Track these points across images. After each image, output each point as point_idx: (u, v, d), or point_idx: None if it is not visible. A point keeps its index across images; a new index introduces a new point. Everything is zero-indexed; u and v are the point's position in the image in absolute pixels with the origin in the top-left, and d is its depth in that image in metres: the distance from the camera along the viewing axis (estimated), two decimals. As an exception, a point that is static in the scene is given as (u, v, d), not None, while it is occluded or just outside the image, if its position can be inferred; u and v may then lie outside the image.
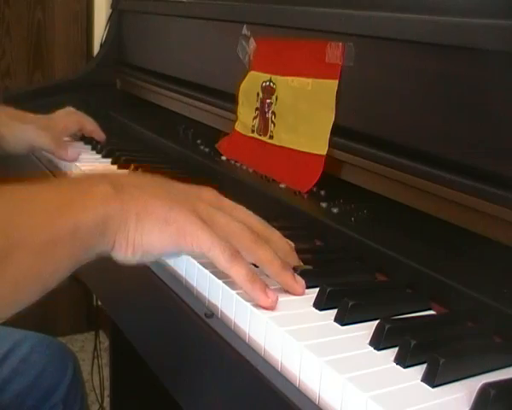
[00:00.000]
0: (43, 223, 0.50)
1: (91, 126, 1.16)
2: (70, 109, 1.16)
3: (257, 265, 0.58)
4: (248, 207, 0.59)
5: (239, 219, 0.59)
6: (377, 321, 0.52)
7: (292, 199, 0.83)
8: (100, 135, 1.16)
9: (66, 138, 1.14)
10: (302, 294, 0.58)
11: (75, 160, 1.04)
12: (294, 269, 0.60)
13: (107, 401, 1.69)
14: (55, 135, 1.07)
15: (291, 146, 0.89)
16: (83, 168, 1.01)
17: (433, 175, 0.67)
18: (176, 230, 0.55)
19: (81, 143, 1.17)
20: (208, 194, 0.60)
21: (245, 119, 1.00)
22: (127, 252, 0.55)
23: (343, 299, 0.54)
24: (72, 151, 1.06)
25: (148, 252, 0.55)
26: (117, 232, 0.54)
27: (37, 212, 0.51)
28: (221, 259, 0.55)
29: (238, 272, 0.55)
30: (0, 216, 0.49)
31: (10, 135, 1.05)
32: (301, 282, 0.58)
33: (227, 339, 0.53)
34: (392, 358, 0.48)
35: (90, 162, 1.05)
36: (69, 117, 1.15)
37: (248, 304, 0.54)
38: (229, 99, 1.04)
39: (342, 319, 0.54)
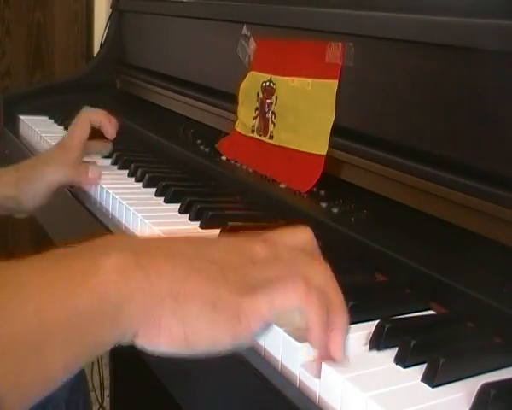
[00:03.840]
0: (23, 315, 0.36)
1: (100, 119, 1.00)
2: (81, 114, 1.00)
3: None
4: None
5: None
6: (377, 321, 0.52)
7: (292, 199, 0.83)
8: (108, 130, 1.01)
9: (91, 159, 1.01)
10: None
11: (97, 180, 0.93)
12: None
13: (107, 401, 1.69)
14: (70, 158, 0.94)
15: (291, 146, 0.89)
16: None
17: (433, 175, 0.67)
18: (229, 317, 0.41)
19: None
20: (263, 249, 0.45)
21: (245, 119, 1.00)
22: (160, 342, 0.41)
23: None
24: (93, 171, 0.94)
25: (193, 346, 0.41)
26: (141, 317, 0.40)
27: (15, 301, 0.37)
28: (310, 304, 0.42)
29: (318, 313, 0.43)
30: None
31: (18, 192, 0.91)
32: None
33: (227, 339, 0.53)
34: (392, 358, 0.48)
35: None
36: (80, 125, 0.99)
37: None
38: (229, 99, 1.04)
39: (342, 319, 0.53)
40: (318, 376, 0.46)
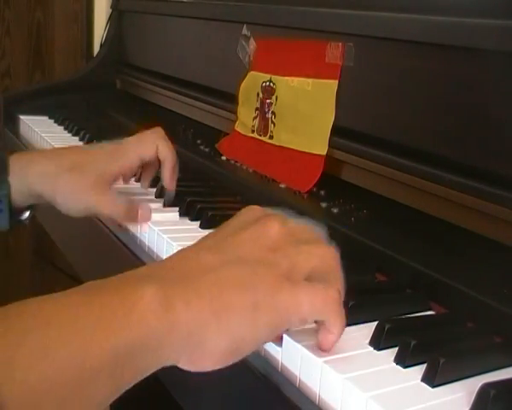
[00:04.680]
0: (68, 357, 0.36)
1: (167, 170, 0.81)
2: (152, 133, 0.83)
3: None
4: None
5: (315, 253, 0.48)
6: (377, 321, 0.52)
7: (292, 199, 0.83)
8: (170, 184, 0.82)
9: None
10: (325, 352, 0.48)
11: (148, 220, 0.76)
12: None
13: (107, 401, 1.69)
14: (115, 187, 0.78)
15: (291, 146, 0.89)
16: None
17: (433, 175, 0.67)
18: (270, 312, 0.43)
19: None
20: (275, 230, 0.47)
21: (245, 119, 1.00)
22: (205, 363, 0.42)
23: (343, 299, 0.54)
24: (144, 211, 0.76)
25: (238, 354, 0.43)
26: (184, 346, 0.40)
27: (58, 342, 0.36)
28: (334, 315, 0.46)
29: (342, 325, 0.47)
30: (6, 354, 0.35)
31: (65, 197, 0.76)
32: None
33: (227, 339, 0.53)
34: (392, 358, 0.48)
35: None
36: (143, 147, 0.81)
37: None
38: (229, 99, 1.04)
39: (342, 319, 0.53)
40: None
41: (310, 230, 0.50)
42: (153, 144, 0.80)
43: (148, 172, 0.86)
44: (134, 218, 0.76)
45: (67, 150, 0.84)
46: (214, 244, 0.46)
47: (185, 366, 0.42)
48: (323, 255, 0.48)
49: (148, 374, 0.41)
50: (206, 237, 0.48)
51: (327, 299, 0.45)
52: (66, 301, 0.39)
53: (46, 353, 0.36)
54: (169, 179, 0.81)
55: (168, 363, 0.41)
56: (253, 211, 0.50)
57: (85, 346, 0.37)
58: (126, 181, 0.85)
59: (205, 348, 0.41)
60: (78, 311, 0.38)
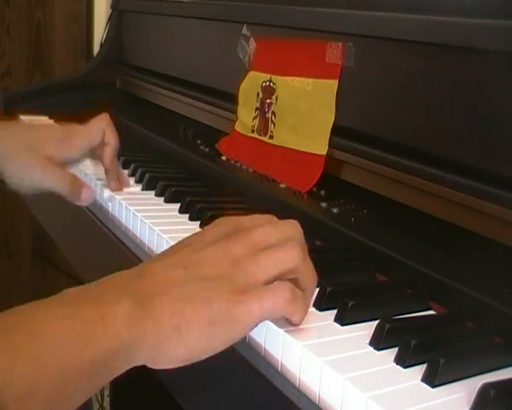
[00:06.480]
0: (55, 365, 0.42)
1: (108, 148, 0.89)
2: (99, 121, 0.90)
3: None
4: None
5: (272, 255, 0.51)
6: (377, 321, 0.52)
7: (292, 199, 0.83)
8: (110, 164, 0.89)
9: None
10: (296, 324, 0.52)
11: (90, 201, 0.85)
12: None
13: (107, 401, 1.69)
14: (67, 165, 0.86)
15: (291, 146, 0.89)
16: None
17: (433, 175, 0.67)
18: (225, 326, 0.47)
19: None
20: (238, 246, 0.50)
21: (245, 119, 1.00)
22: (166, 366, 0.48)
23: (343, 299, 0.54)
24: (87, 192, 0.84)
25: (198, 358, 0.48)
26: (150, 353, 0.46)
27: (48, 353, 0.42)
28: (287, 311, 0.50)
29: (300, 316, 0.51)
30: (6, 366, 0.40)
31: (13, 172, 0.84)
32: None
33: (227, 339, 0.53)
34: (392, 358, 0.48)
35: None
36: (93, 132, 0.88)
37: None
38: (229, 99, 1.04)
39: (342, 319, 0.54)
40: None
41: (278, 232, 0.52)
42: (100, 131, 0.88)
43: (96, 154, 0.91)
44: (78, 195, 0.83)
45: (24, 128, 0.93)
46: (181, 260, 0.50)
47: (150, 366, 0.48)
48: (283, 259, 0.50)
49: (118, 374, 0.47)
50: (177, 247, 0.53)
51: (276, 301, 0.48)
52: (53, 314, 0.44)
53: (39, 361, 0.42)
54: (109, 161, 0.89)
55: (137, 364, 0.47)
56: (224, 225, 0.53)
57: (69, 355, 0.43)
58: (75, 164, 0.91)
59: (167, 355, 0.47)
60: (63, 324, 0.43)
